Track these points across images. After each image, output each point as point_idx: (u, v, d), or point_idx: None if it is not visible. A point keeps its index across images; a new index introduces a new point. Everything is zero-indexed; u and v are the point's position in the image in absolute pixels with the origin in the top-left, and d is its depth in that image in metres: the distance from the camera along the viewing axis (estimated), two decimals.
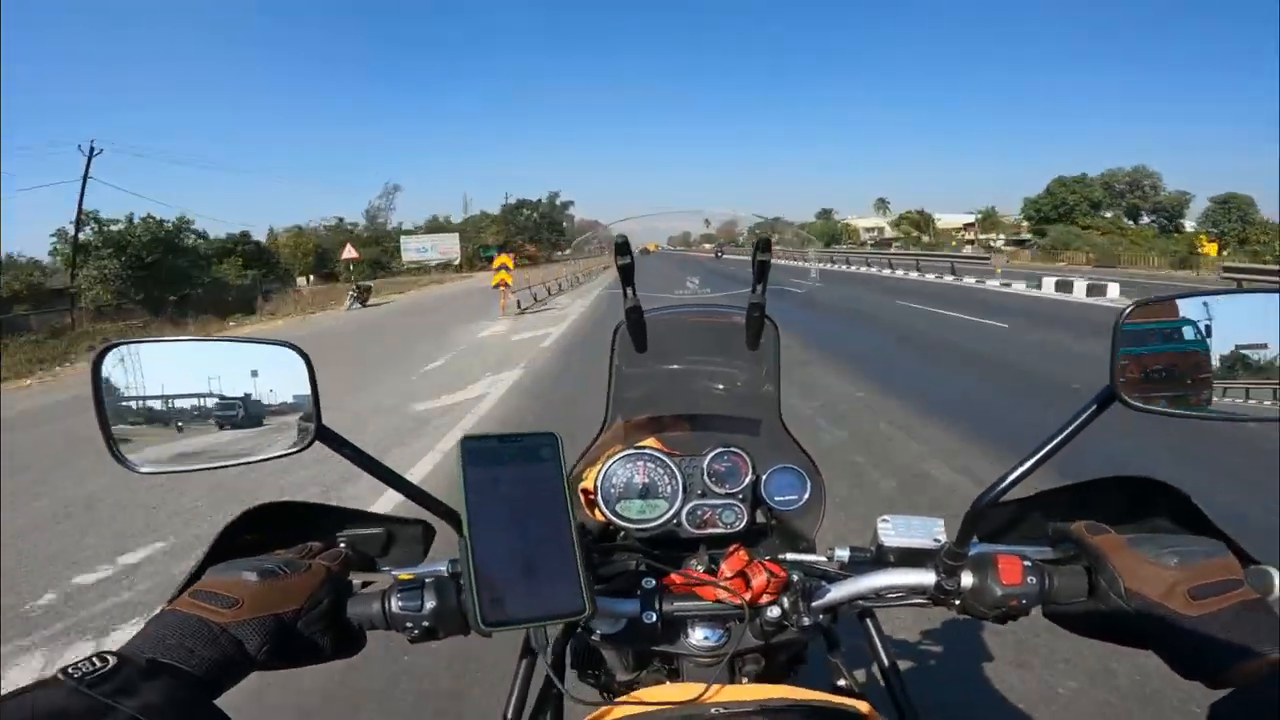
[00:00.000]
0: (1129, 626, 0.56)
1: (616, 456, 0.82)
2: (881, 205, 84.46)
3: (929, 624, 2.18)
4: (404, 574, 0.64)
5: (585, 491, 0.84)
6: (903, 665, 1.94)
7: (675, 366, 0.91)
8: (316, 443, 0.55)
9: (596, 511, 0.82)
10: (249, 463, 0.57)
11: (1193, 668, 0.52)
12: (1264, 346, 0.55)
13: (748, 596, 0.66)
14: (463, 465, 0.51)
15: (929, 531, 0.68)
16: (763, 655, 0.74)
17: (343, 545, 0.70)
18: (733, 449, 0.83)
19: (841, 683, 0.81)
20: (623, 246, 0.76)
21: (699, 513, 0.81)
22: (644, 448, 0.84)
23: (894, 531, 0.69)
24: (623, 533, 0.82)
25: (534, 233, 55.21)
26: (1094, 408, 0.54)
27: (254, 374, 0.56)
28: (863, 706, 0.63)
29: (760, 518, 0.87)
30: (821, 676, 0.82)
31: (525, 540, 0.51)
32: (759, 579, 0.67)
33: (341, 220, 50.08)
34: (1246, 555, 0.59)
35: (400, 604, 0.60)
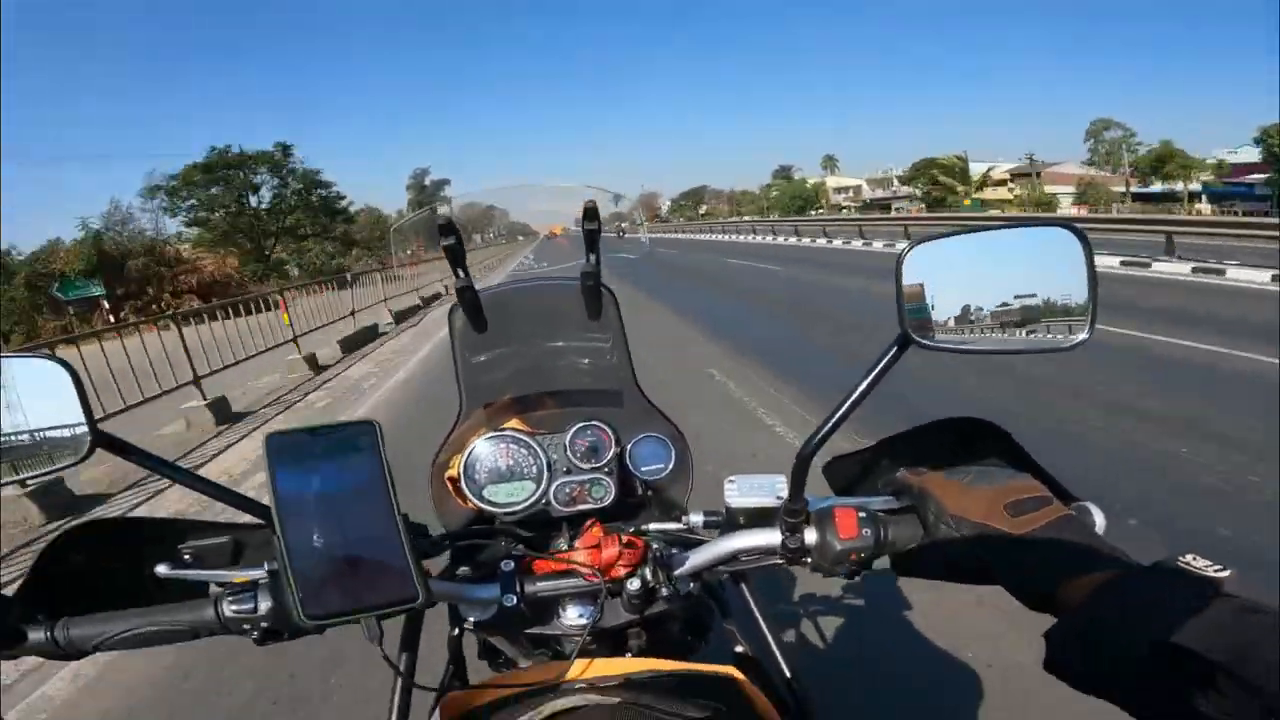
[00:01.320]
0: (965, 559, 0.58)
1: (478, 441, 0.81)
2: (829, 163, 73.80)
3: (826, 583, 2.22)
4: (240, 577, 0.62)
5: (451, 480, 0.83)
6: (809, 626, 2.02)
7: (521, 345, 0.89)
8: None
9: (466, 499, 0.81)
10: (28, 479, 0.54)
11: (1027, 590, 0.53)
12: (1049, 279, 0.57)
13: (606, 571, 0.67)
14: (269, 462, 0.50)
15: (772, 489, 0.68)
16: (648, 629, 0.74)
17: (186, 557, 0.67)
18: (595, 423, 0.83)
19: (739, 649, 0.83)
20: (447, 227, 0.74)
21: (567, 490, 0.81)
22: (505, 429, 0.83)
23: (738, 492, 0.70)
24: (496, 519, 0.81)
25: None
26: (892, 352, 0.56)
27: (22, 388, 0.53)
28: (733, 671, 0.65)
29: (638, 491, 0.87)
30: (723, 646, 0.83)
31: (346, 532, 0.50)
32: (610, 550, 0.67)
33: None
34: (1066, 492, 0.61)
35: (233, 608, 0.59)
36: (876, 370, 0.56)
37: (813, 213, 55.00)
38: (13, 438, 0.53)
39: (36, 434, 0.53)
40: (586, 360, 0.89)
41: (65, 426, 0.53)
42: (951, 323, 0.56)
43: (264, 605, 0.59)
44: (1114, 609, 0.44)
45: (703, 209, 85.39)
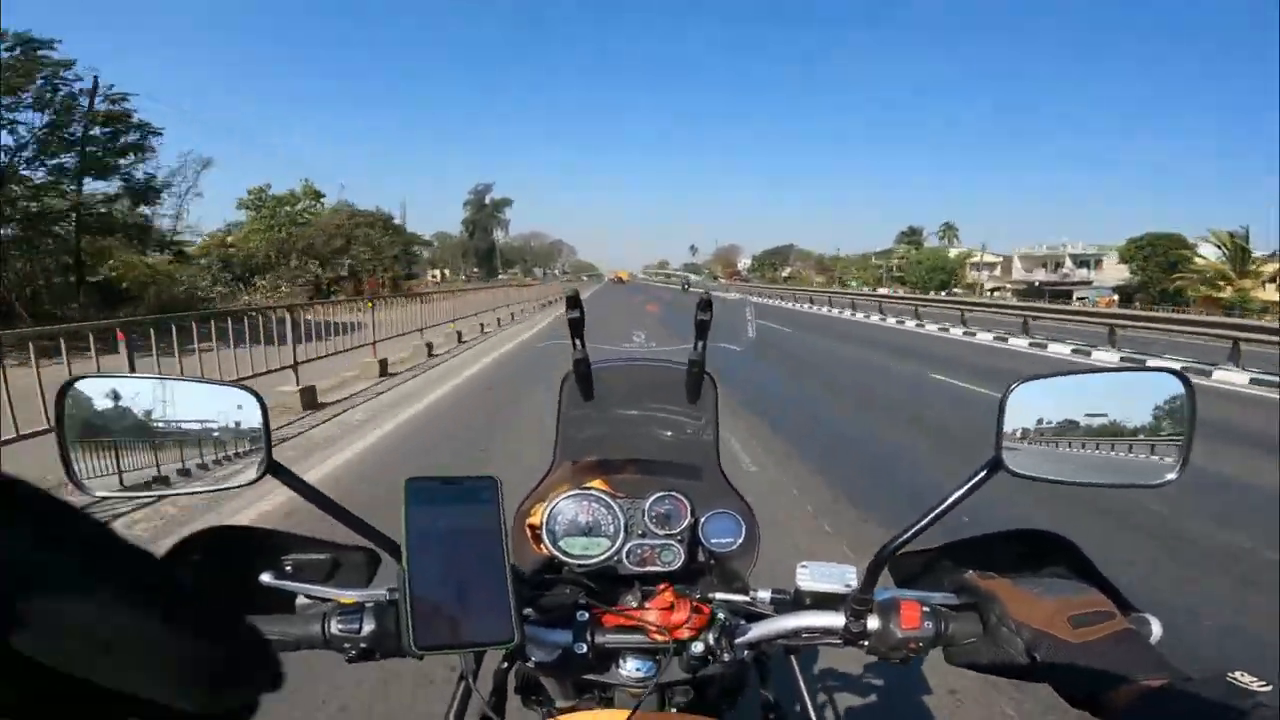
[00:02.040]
0: (1020, 658, 0.60)
1: (563, 495, 0.86)
2: (948, 232, 62.74)
3: (864, 664, 2.24)
4: (347, 598, 0.67)
5: (532, 527, 0.88)
6: (843, 702, 2.06)
7: (620, 413, 0.95)
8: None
9: (542, 546, 0.86)
10: (200, 493, 0.61)
11: (1077, 693, 0.56)
12: (1150, 422, 0.61)
13: (671, 630, 0.71)
14: (405, 503, 0.56)
15: (842, 578, 0.73)
16: (694, 689, 0.78)
17: (288, 569, 0.74)
18: (673, 493, 0.88)
19: (771, 716, 0.86)
20: (573, 300, 0.81)
21: (639, 551, 0.85)
22: (590, 488, 0.88)
23: (810, 577, 0.74)
24: (566, 568, 0.86)
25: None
26: (982, 474, 0.60)
27: (211, 411, 0.60)
28: None
29: (701, 558, 0.91)
30: (755, 711, 0.87)
31: (461, 572, 0.55)
32: (680, 614, 0.72)
33: None
34: (1128, 602, 0.64)
35: (340, 626, 0.64)
36: (965, 488, 0.60)
37: (955, 291, 45.71)
38: (199, 455, 0.60)
39: (220, 453, 0.60)
40: (678, 435, 0.95)
41: (245, 451, 0.60)
42: (1044, 454, 0.61)
43: (368, 627, 0.63)
44: (1157, 716, 0.47)
45: (786, 271, 77.79)
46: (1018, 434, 0.60)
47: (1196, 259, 36.73)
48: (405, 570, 0.54)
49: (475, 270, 70.22)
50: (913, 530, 0.62)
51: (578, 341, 0.85)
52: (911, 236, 63.48)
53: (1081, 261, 49.38)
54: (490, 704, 0.83)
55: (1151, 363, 9.54)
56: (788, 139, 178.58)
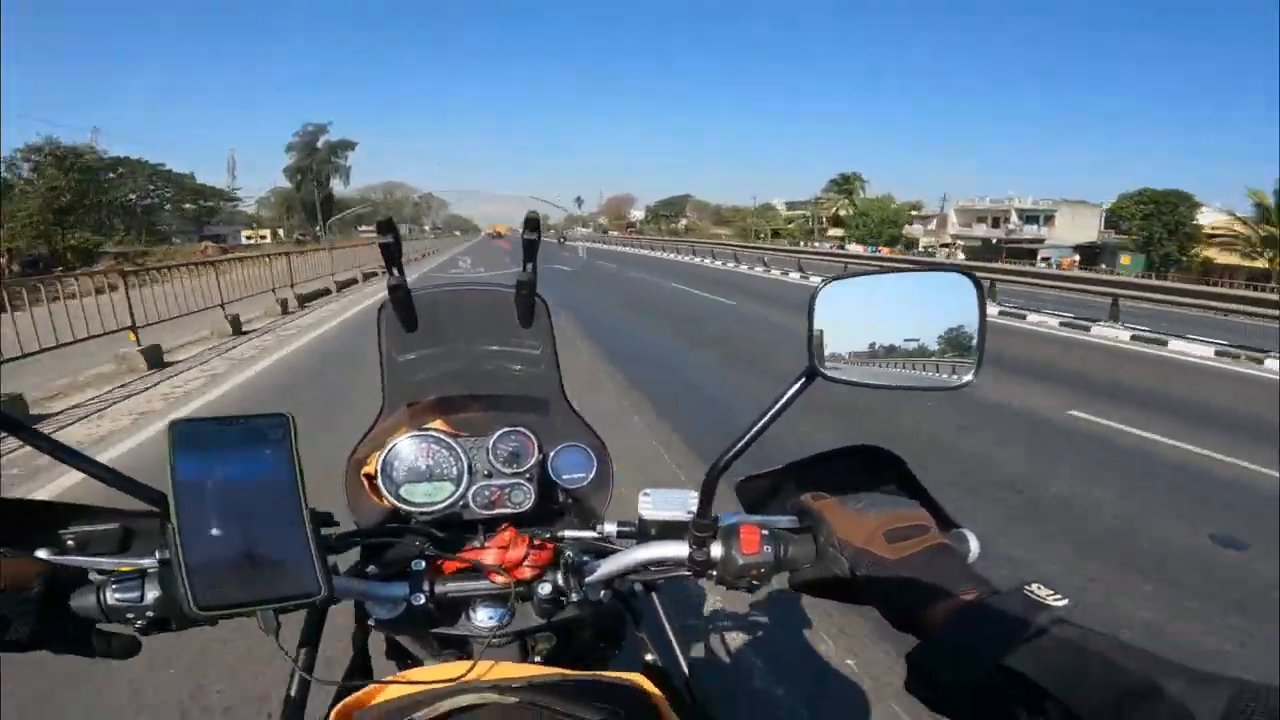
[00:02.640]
0: (848, 582, 0.62)
1: (400, 439, 0.81)
2: (850, 183, 53.48)
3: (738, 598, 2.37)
4: (126, 565, 0.60)
5: (368, 476, 0.82)
6: (729, 639, 2.15)
7: (450, 347, 0.90)
8: None
9: (381, 497, 0.80)
10: None
11: (897, 614, 0.56)
12: (951, 321, 0.62)
13: (510, 571, 0.68)
14: (170, 449, 0.49)
15: (683, 503, 0.71)
16: (560, 634, 0.75)
17: (70, 542, 0.64)
18: (519, 429, 0.83)
19: (649, 658, 0.84)
20: (385, 225, 0.75)
21: (486, 493, 0.81)
22: (428, 429, 0.82)
23: (652, 505, 0.72)
24: (410, 518, 0.81)
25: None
26: (799, 383, 0.59)
27: None
28: (638, 679, 0.66)
29: (556, 498, 0.89)
30: (635, 655, 0.84)
31: (247, 524, 0.50)
32: (516, 552, 0.68)
33: None
34: (948, 518, 0.66)
35: (118, 595, 0.57)
36: (784, 399, 0.59)
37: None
38: None
39: None
40: (515, 366, 0.90)
41: None
42: (855, 358, 0.61)
43: (151, 595, 0.57)
44: (965, 633, 0.48)
45: (683, 222, 71.87)
46: (827, 338, 0.60)
47: (1206, 222, 33.49)
48: (174, 526, 0.47)
49: (305, 230, 56.59)
50: (738, 445, 0.61)
51: (394, 270, 0.79)
52: (845, 185, 54.47)
53: (1029, 217, 42.04)
54: (353, 668, 0.79)
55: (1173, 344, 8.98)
56: (689, 84, 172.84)
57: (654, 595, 0.87)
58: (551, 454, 0.87)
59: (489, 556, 0.70)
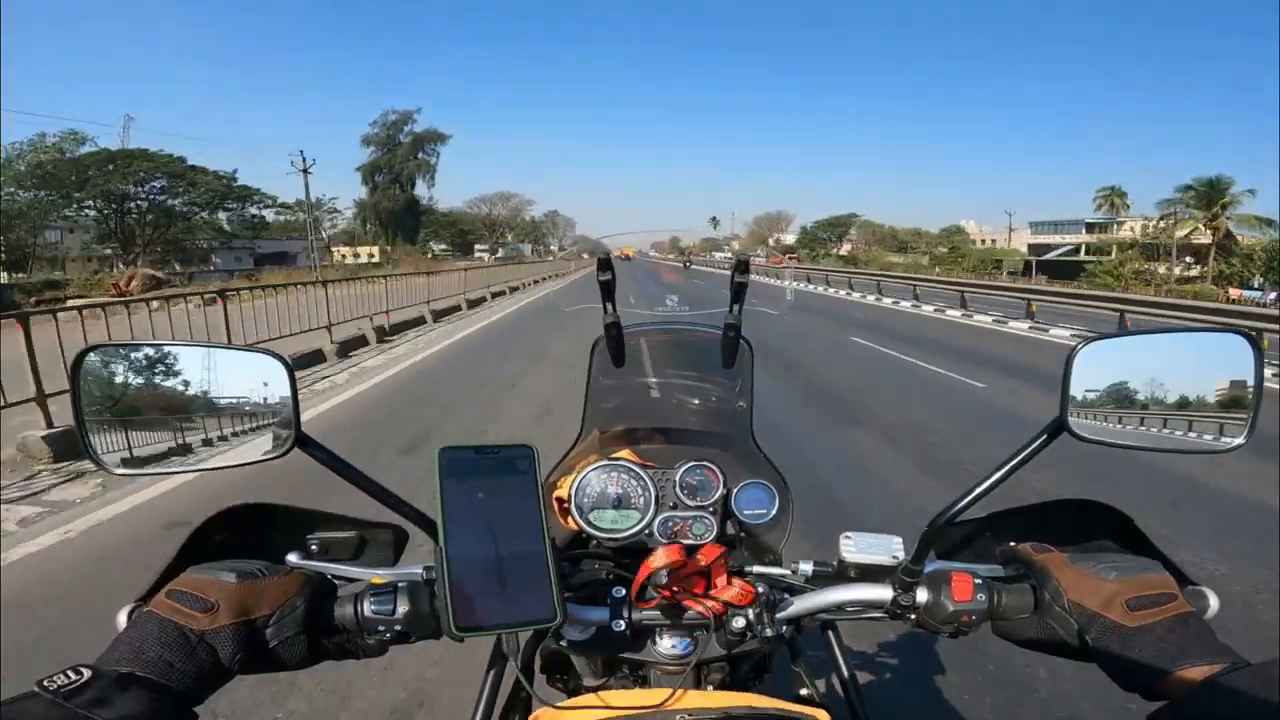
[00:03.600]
0: (1072, 639, 0.59)
1: (591, 467, 0.84)
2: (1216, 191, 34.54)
3: (890, 636, 2.25)
4: (378, 578, 0.65)
5: (559, 500, 0.85)
6: (863, 677, 2.07)
7: (651, 381, 0.92)
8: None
9: (569, 520, 0.83)
10: (224, 468, 0.58)
11: (1130, 678, 0.54)
12: (1214, 384, 0.59)
13: (716, 608, 0.68)
14: (438, 475, 0.53)
15: (888, 549, 0.71)
16: (728, 664, 0.76)
17: (314, 548, 0.71)
18: (705, 463, 0.85)
19: (804, 692, 0.83)
20: (604, 263, 0.78)
21: (670, 524, 0.83)
22: (618, 459, 0.85)
23: (855, 548, 0.72)
24: (594, 542, 0.83)
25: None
26: (1044, 437, 0.57)
27: (235, 380, 0.57)
28: (822, 715, 0.65)
29: (730, 529, 0.89)
30: (785, 686, 0.84)
31: (499, 549, 0.53)
32: (729, 592, 0.69)
33: None
34: (1184, 576, 0.63)
35: (373, 607, 0.61)
36: (1025, 453, 0.58)
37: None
38: (221, 427, 0.57)
39: (245, 425, 0.57)
40: (710, 402, 0.92)
41: (271, 423, 0.56)
42: (1108, 417, 0.59)
43: (401, 608, 0.60)
44: (1219, 704, 0.45)
45: (844, 248, 59.24)
46: (1081, 397, 0.58)
47: None
48: (443, 549, 0.51)
49: (385, 247, 45.43)
50: (968, 498, 0.60)
51: (609, 305, 0.82)
52: (1212, 192, 36.66)
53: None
54: (517, 682, 0.81)
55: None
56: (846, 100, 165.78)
57: (830, 634, 0.86)
58: (735, 490, 0.87)
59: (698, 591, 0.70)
